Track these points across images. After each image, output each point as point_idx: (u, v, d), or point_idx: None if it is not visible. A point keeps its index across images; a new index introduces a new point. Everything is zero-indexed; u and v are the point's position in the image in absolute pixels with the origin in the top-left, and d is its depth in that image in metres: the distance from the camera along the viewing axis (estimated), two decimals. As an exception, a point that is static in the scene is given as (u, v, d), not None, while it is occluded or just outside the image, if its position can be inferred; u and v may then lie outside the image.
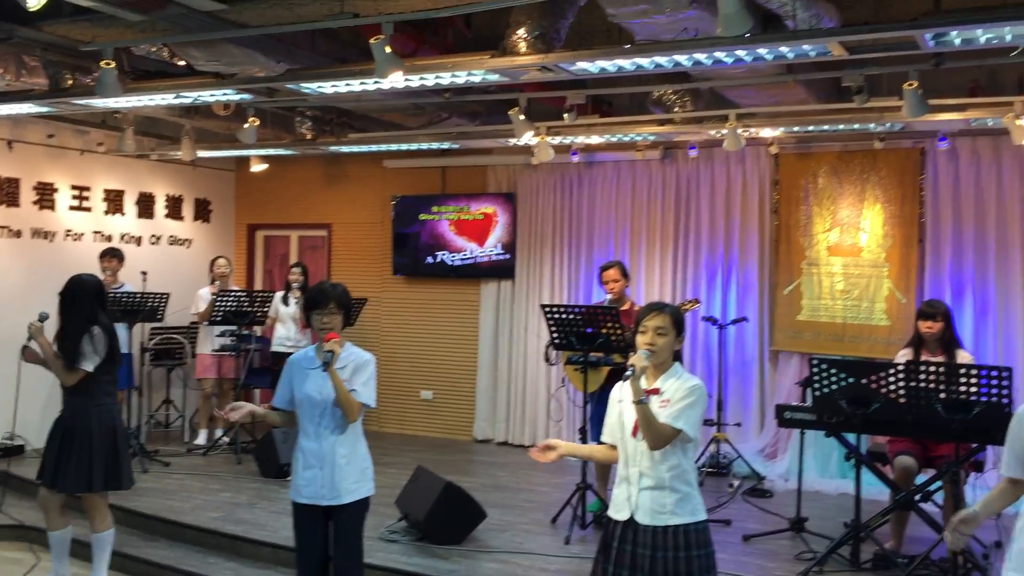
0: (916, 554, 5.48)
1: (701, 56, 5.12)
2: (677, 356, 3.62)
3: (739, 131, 7.07)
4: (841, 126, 6.98)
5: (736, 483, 7.58)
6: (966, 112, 6.38)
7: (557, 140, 7.99)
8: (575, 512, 6.21)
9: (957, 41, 4.27)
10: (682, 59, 5.20)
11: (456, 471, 7.67)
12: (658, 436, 3.39)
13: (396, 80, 5.62)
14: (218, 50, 5.63)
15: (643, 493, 3.45)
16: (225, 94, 6.60)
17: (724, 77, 6.21)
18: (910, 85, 5.30)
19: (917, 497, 5.55)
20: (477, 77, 5.86)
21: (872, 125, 6.91)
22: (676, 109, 7.11)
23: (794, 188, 8.24)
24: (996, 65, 6.71)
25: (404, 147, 8.94)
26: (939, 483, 5.57)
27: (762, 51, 4.88)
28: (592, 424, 6.32)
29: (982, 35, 4.18)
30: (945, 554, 5.42)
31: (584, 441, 6.34)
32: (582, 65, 5.41)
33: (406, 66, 5.22)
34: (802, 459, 6.45)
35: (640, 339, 3.53)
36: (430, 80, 5.92)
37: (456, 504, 5.93)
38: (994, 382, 5.09)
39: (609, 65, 5.38)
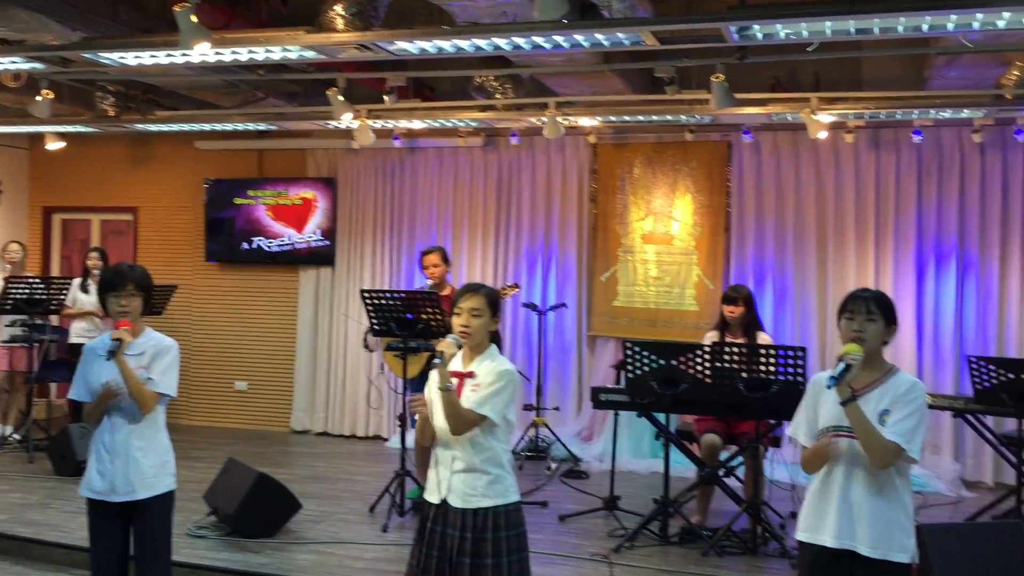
0: (719, 526, 5.73)
1: (520, 40, 5.14)
2: (496, 339, 3.61)
3: (559, 119, 7.18)
4: (655, 117, 7.22)
5: (554, 466, 7.71)
6: (768, 107, 6.73)
7: (379, 124, 7.86)
8: (394, 499, 6.14)
9: (759, 35, 4.48)
10: (502, 42, 5.20)
11: (271, 463, 7.42)
12: (461, 422, 3.37)
13: (204, 53, 5.34)
14: (5, 14, 5.15)
15: (456, 476, 3.42)
16: (13, 62, 6.07)
17: (544, 64, 6.28)
18: (717, 78, 5.53)
19: (721, 472, 5.82)
20: (293, 54, 5.66)
21: (683, 117, 7.19)
22: (497, 96, 7.13)
23: (611, 177, 8.46)
24: (795, 64, 7.14)
25: (217, 127, 8.55)
26: (741, 458, 5.87)
27: (579, 37, 4.95)
28: (407, 410, 6.26)
29: (781, 30, 4.40)
30: (746, 525, 5.73)
31: (403, 430, 6.29)
32: (402, 45, 5.32)
33: (215, 39, 4.95)
34: (616, 440, 6.64)
35: (455, 320, 3.50)
36: (242, 55, 5.67)
37: (269, 496, 5.72)
38: (790, 361, 5.40)
39: (429, 46, 5.32)
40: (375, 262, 9.14)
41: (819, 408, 3.26)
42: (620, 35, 4.84)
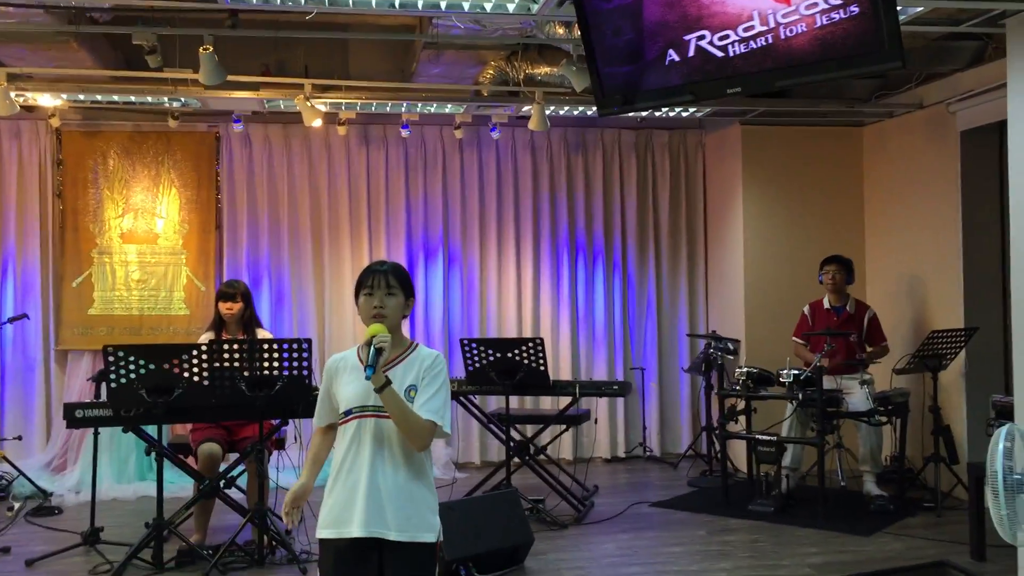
0: (222, 543, 5.23)
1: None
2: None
3: (12, 95, 6.07)
4: (133, 97, 6.46)
5: (16, 505, 6.48)
6: (260, 91, 6.38)
7: None
8: None
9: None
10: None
11: None
12: None
13: None
14: None
15: None
16: None
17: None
18: (206, 49, 5.04)
19: (222, 484, 5.32)
20: None
21: (166, 100, 6.54)
22: (-73, 61, 5.82)
23: (81, 169, 7.44)
24: (285, 54, 6.91)
25: None
26: (242, 466, 5.43)
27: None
28: None
29: (276, -7, 4.09)
30: (250, 537, 5.31)
31: None
32: None
33: None
34: (96, 464, 5.73)
35: None
36: None
37: None
38: (295, 355, 5.11)
39: None
40: None
41: (338, 391, 3.00)
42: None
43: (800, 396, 6.09)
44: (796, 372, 6.14)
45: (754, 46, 3.32)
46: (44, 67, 6.04)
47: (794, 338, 6.81)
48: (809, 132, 7.61)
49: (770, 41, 3.27)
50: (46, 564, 5.23)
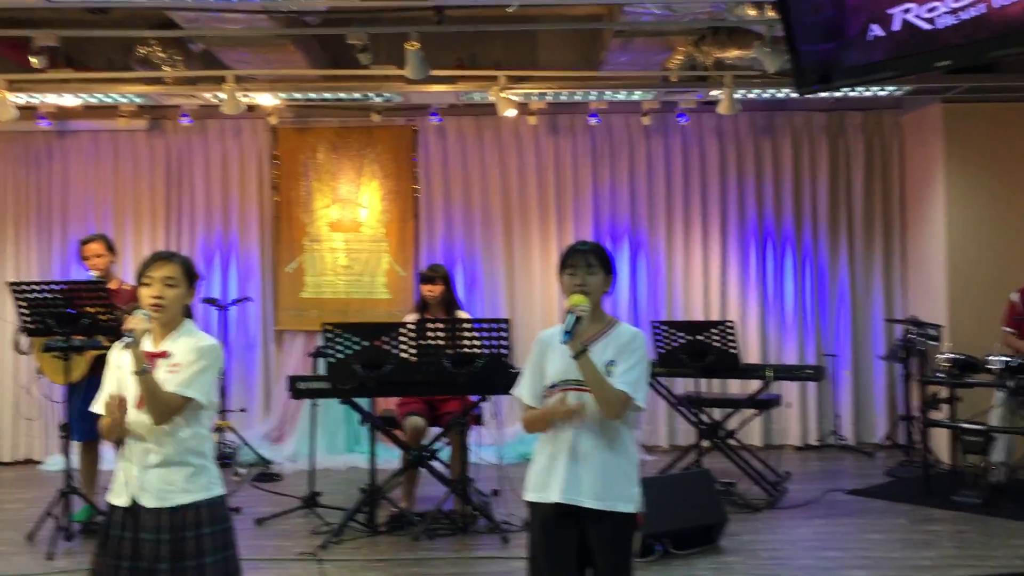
0: (427, 511, 5.58)
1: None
2: (188, 313, 3.18)
3: (239, 95, 6.65)
4: (342, 95, 6.93)
5: (243, 471, 7.14)
6: (457, 84, 6.70)
7: (22, 99, 6.81)
8: (58, 523, 5.28)
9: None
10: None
11: None
12: (165, 408, 2.96)
13: None
14: None
15: (149, 472, 2.99)
16: None
17: (217, 30, 5.75)
18: (412, 45, 5.37)
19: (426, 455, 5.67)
20: None
21: (372, 95, 6.98)
22: (166, 68, 6.47)
23: (294, 163, 8.06)
24: (478, 49, 7.20)
25: None
26: (444, 440, 5.75)
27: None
28: (76, 421, 5.42)
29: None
30: (453, 506, 5.62)
31: (67, 442, 5.45)
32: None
33: None
34: (314, 433, 6.24)
35: (144, 292, 3.05)
36: None
37: None
38: (495, 335, 5.37)
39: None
40: (19, 259, 8.02)
41: (545, 365, 3.16)
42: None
43: (1011, 384, 5.81)
44: (1007, 359, 5.86)
45: (965, 16, 3.23)
46: (263, 69, 6.58)
47: (1004, 327, 6.46)
48: (1021, 109, 7.19)
49: (983, 11, 3.18)
50: (273, 524, 5.75)
